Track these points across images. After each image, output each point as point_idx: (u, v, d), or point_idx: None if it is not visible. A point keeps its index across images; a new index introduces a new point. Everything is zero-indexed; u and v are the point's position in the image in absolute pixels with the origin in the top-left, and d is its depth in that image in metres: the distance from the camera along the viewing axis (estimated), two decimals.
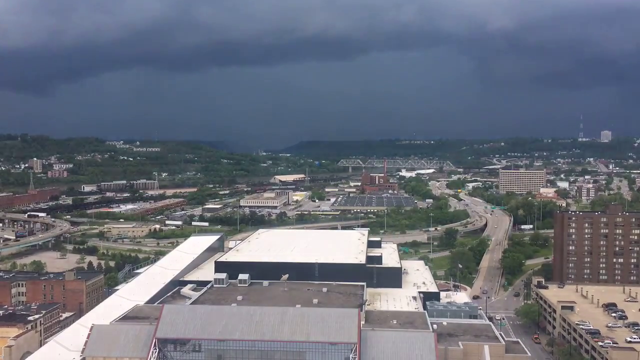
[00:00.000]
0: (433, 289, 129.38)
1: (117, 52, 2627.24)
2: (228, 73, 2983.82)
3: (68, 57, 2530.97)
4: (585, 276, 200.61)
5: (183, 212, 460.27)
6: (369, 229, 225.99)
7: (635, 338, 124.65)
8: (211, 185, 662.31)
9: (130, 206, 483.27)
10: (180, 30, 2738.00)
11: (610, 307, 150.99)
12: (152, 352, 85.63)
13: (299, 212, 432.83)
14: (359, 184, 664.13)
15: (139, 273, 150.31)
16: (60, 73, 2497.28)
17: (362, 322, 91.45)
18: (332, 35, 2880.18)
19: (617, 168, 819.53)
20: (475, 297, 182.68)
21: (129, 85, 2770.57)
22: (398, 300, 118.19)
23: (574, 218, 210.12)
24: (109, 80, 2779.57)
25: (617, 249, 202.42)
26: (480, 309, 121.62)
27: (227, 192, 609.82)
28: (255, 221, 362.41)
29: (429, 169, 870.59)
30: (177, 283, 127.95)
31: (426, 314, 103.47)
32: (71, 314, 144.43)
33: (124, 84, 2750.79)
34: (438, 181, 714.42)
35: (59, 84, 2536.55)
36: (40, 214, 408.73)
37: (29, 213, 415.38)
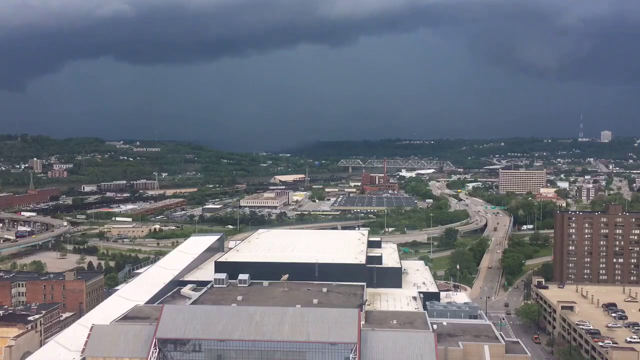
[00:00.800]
0: (433, 289, 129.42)
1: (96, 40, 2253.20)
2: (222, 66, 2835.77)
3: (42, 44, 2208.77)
4: (585, 276, 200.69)
5: (183, 212, 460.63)
6: (369, 229, 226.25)
7: (635, 338, 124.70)
8: (211, 186, 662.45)
9: (130, 206, 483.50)
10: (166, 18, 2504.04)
11: (610, 307, 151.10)
12: (152, 352, 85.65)
13: (299, 212, 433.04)
14: (359, 184, 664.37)
15: (139, 273, 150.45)
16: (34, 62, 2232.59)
17: (362, 322, 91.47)
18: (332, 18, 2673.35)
19: (617, 168, 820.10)
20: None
21: (114, 78, 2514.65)
22: (398, 300, 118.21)
23: (574, 218, 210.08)
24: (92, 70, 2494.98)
25: (617, 249, 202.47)
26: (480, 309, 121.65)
27: (227, 192, 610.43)
28: (255, 221, 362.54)
29: (429, 169, 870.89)
30: (177, 283, 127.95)
31: (426, 314, 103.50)
32: (71, 314, 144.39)
33: (106, 76, 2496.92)
34: (438, 181, 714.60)
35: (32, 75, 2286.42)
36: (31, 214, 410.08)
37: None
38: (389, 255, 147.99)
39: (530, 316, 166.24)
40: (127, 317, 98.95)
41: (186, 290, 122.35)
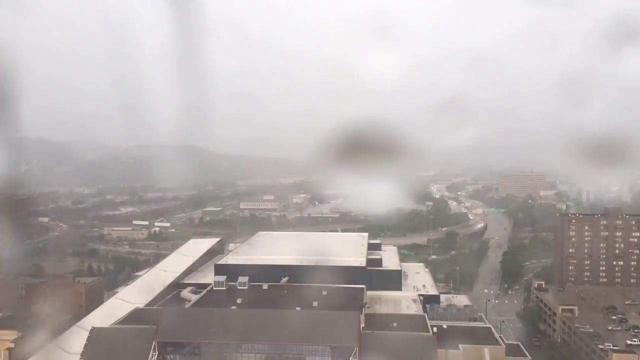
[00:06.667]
0: (433, 291, 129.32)
1: None
2: None
3: None
4: (585, 279, 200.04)
5: (183, 214, 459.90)
6: (367, 233, 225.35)
7: (635, 341, 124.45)
8: (211, 187, 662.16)
9: (130, 208, 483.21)
10: None
11: (610, 310, 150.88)
12: (152, 355, 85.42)
13: (299, 215, 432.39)
14: None
15: (138, 276, 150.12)
16: None
17: (362, 325, 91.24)
18: None
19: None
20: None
21: None
22: (398, 303, 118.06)
23: (573, 221, 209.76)
24: None
25: (617, 251, 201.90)
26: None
27: (226, 194, 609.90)
28: (255, 224, 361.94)
29: (428, 170, 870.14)
30: (177, 286, 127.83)
31: (426, 316, 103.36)
32: (70, 316, 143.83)
33: None
34: (438, 183, 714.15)
35: None
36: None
37: None
38: (389, 258, 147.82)
39: (530, 319, 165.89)
40: (126, 320, 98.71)
41: (186, 293, 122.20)
